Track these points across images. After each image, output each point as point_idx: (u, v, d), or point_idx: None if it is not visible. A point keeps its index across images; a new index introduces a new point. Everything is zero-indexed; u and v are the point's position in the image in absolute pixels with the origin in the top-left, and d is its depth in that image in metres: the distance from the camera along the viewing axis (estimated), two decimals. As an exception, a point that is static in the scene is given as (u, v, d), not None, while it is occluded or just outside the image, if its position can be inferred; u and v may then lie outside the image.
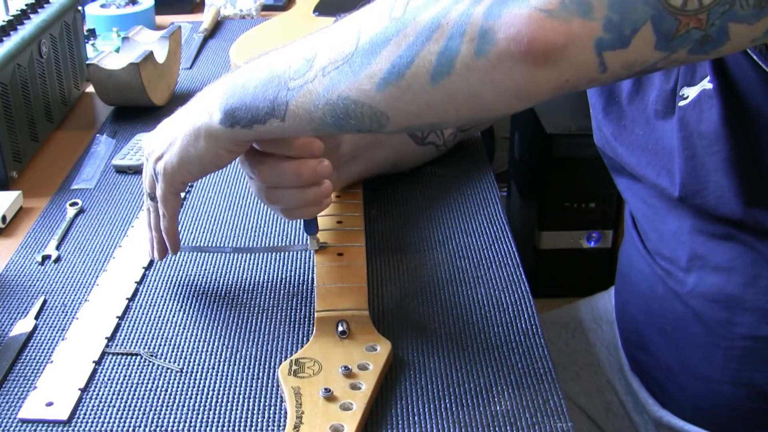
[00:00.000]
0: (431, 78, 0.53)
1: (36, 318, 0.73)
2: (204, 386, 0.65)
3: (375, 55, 0.54)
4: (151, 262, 0.81)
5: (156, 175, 0.70)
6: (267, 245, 0.85)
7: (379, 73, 0.54)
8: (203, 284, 0.78)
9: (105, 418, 0.63)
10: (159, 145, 0.69)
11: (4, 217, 0.89)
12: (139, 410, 0.63)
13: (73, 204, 0.91)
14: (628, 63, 0.50)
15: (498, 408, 0.63)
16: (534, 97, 0.52)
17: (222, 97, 0.63)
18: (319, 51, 0.58)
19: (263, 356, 0.68)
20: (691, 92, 0.70)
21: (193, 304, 0.75)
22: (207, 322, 0.73)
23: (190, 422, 0.62)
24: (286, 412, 0.61)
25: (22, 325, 0.72)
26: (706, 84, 0.69)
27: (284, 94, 0.60)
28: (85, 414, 0.63)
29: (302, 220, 0.76)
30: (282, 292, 0.77)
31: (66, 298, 0.76)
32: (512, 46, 0.49)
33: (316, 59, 0.58)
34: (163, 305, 0.75)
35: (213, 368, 0.67)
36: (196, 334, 0.71)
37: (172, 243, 0.74)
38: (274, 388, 0.65)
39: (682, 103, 0.71)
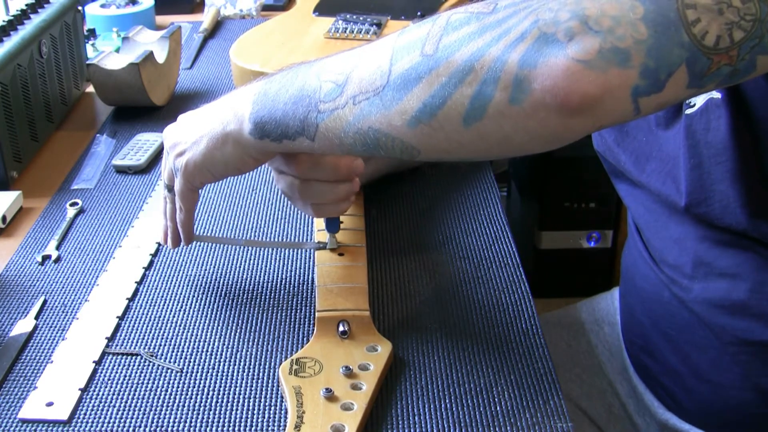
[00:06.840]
0: (463, 120, 0.52)
1: (36, 318, 0.73)
2: (204, 386, 0.65)
3: (406, 91, 0.54)
4: (151, 263, 0.81)
5: (176, 171, 0.70)
6: (280, 240, 0.85)
7: (410, 110, 0.54)
8: (203, 284, 0.78)
9: (105, 418, 0.63)
10: (182, 140, 0.69)
11: (4, 217, 0.89)
12: (139, 410, 0.63)
13: (73, 204, 0.91)
14: (661, 104, 0.51)
15: (498, 408, 0.63)
16: (565, 141, 0.52)
17: (253, 107, 0.63)
18: (351, 76, 0.58)
19: (263, 356, 0.68)
20: (698, 100, 0.70)
21: (193, 304, 0.75)
22: (207, 322, 0.73)
23: (190, 422, 0.62)
24: (286, 412, 0.61)
25: (22, 325, 0.72)
26: (714, 93, 0.69)
27: (314, 116, 0.59)
28: (85, 414, 0.63)
29: (323, 219, 0.76)
30: (282, 292, 0.77)
31: (66, 298, 0.76)
32: (548, 97, 0.49)
33: (347, 85, 0.57)
34: (163, 305, 0.75)
35: (213, 368, 0.67)
36: (196, 334, 0.71)
37: (186, 235, 0.75)
38: (274, 388, 0.65)
39: (688, 111, 0.71)
